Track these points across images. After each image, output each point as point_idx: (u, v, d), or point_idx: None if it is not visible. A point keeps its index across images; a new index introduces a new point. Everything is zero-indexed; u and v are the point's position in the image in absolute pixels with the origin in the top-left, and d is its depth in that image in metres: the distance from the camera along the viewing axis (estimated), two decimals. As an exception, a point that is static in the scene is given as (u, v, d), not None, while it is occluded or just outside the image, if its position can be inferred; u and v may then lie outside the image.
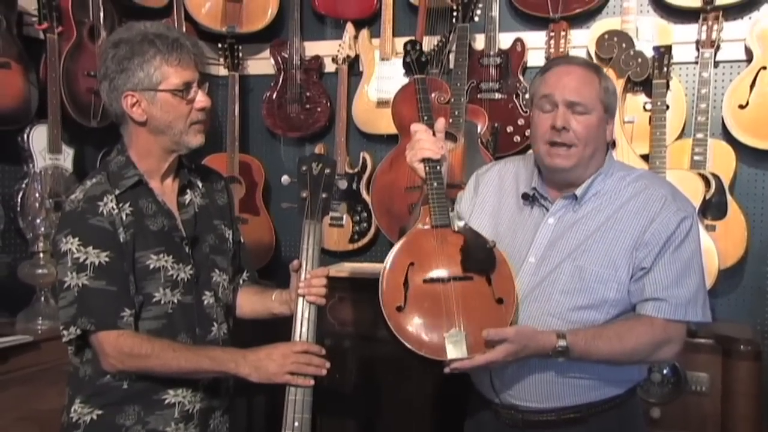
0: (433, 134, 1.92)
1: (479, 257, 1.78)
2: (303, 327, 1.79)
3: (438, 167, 1.88)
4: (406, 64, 2.17)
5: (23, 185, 2.67)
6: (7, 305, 2.53)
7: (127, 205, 1.75)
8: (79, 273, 1.68)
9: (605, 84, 1.82)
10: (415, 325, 1.75)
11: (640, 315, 1.77)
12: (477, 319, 1.72)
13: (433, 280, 1.78)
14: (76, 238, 1.68)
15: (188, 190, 1.90)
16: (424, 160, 1.87)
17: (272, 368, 1.72)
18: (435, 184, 1.86)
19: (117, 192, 1.74)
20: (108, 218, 1.71)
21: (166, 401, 1.77)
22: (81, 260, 1.68)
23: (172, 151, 1.81)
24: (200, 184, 1.94)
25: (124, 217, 1.73)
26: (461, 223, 1.84)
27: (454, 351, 1.69)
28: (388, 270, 1.81)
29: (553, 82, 1.81)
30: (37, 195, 2.66)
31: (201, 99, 1.78)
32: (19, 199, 2.66)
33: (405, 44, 2.19)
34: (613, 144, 2.92)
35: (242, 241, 2.07)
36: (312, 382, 1.74)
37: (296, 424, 1.73)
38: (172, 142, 1.78)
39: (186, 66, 1.75)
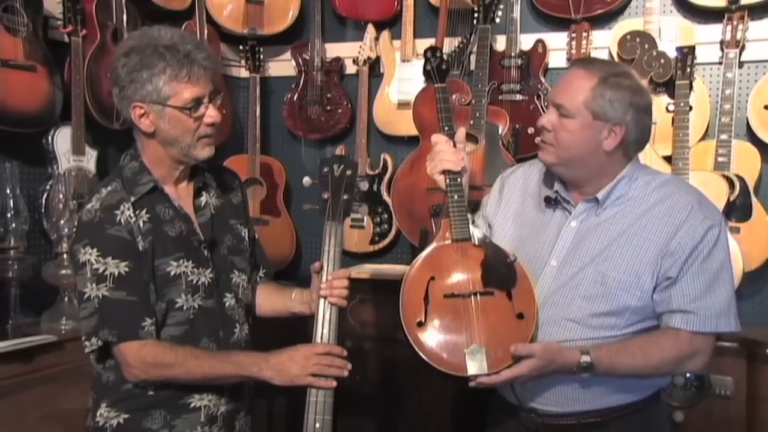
0: (454, 145, 1.91)
1: (500, 272, 1.78)
2: (324, 328, 1.79)
3: (459, 179, 1.87)
4: (426, 72, 2.14)
5: (48, 186, 2.70)
6: (31, 305, 2.55)
7: (144, 211, 1.74)
8: (99, 284, 1.67)
9: (602, 90, 1.73)
10: (435, 340, 1.74)
11: (666, 327, 1.75)
12: (498, 335, 1.72)
13: (453, 295, 1.78)
14: (95, 249, 1.67)
15: (203, 192, 1.89)
16: (444, 172, 1.87)
17: (294, 370, 1.72)
18: (456, 197, 1.85)
19: (133, 199, 1.73)
20: (126, 227, 1.70)
21: (192, 405, 1.78)
22: (100, 271, 1.67)
23: (181, 162, 1.80)
24: (214, 184, 1.93)
25: (141, 225, 1.72)
26: (480, 235, 1.84)
27: (475, 367, 1.69)
28: (408, 284, 1.81)
29: (556, 83, 1.84)
30: (61, 196, 2.69)
31: (211, 114, 1.74)
32: (43, 201, 2.69)
33: (425, 51, 2.16)
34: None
35: (257, 237, 2.06)
36: (334, 383, 1.74)
37: (317, 425, 1.73)
38: (180, 154, 1.77)
39: (196, 81, 1.70)
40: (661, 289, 1.74)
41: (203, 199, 1.88)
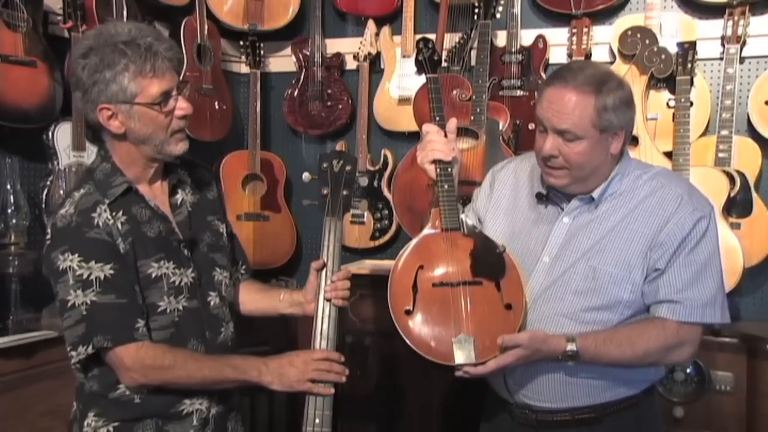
0: (445, 135, 1.90)
1: (489, 262, 1.77)
2: (324, 324, 1.79)
3: (449, 169, 1.87)
4: (418, 63, 2.14)
5: (48, 182, 2.70)
6: (32, 301, 2.55)
7: (121, 213, 1.67)
8: (86, 290, 1.60)
9: (603, 103, 1.69)
10: (423, 328, 1.74)
11: (653, 317, 1.75)
12: (485, 325, 1.72)
13: (442, 284, 1.78)
14: (76, 254, 1.60)
15: (178, 190, 1.82)
16: (435, 162, 1.87)
17: (294, 375, 1.71)
18: (446, 186, 1.85)
19: (107, 201, 1.66)
20: (105, 229, 1.63)
21: (184, 411, 1.73)
22: (85, 276, 1.60)
23: (155, 159, 1.73)
24: (189, 180, 1.86)
25: (120, 227, 1.66)
26: (470, 225, 1.84)
27: (462, 356, 1.69)
28: (397, 273, 1.81)
29: (546, 107, 1.73)
30: (61, 192, 2.69)
31: (181, 106, 1.68)
32: (44, 196, 2.69)
33: (417, 42, 2.17)
34: (636, 141, 2.89)
35: (234, 232, 2.01)
36: (332, 390, 1.74)
37: (317, 420, 1.73)
38: (154, 151, 1.70)
39: (162, 75, 1.63)
40: (650, 281, 1.74)
41: (179, 196, 1.82)
